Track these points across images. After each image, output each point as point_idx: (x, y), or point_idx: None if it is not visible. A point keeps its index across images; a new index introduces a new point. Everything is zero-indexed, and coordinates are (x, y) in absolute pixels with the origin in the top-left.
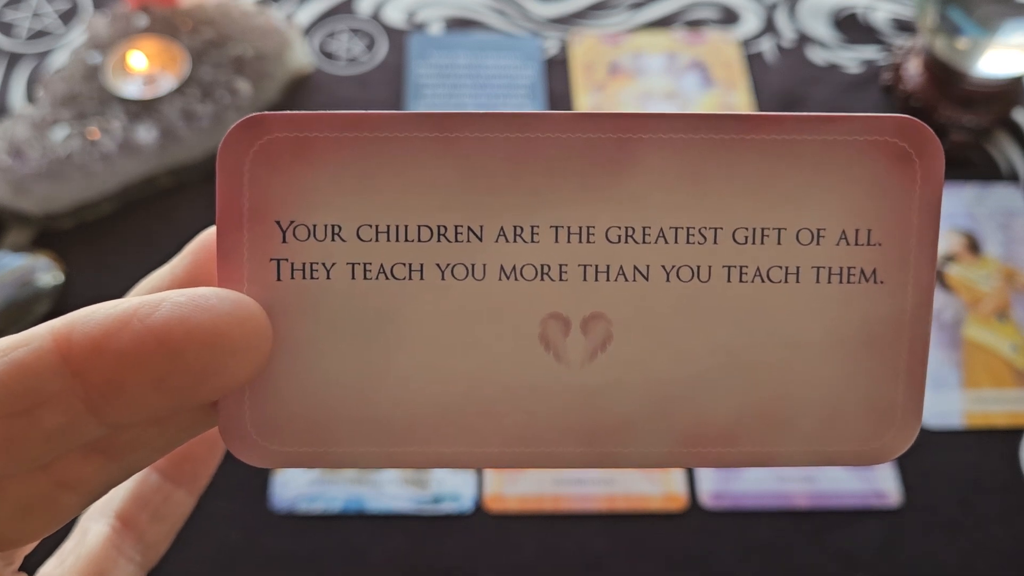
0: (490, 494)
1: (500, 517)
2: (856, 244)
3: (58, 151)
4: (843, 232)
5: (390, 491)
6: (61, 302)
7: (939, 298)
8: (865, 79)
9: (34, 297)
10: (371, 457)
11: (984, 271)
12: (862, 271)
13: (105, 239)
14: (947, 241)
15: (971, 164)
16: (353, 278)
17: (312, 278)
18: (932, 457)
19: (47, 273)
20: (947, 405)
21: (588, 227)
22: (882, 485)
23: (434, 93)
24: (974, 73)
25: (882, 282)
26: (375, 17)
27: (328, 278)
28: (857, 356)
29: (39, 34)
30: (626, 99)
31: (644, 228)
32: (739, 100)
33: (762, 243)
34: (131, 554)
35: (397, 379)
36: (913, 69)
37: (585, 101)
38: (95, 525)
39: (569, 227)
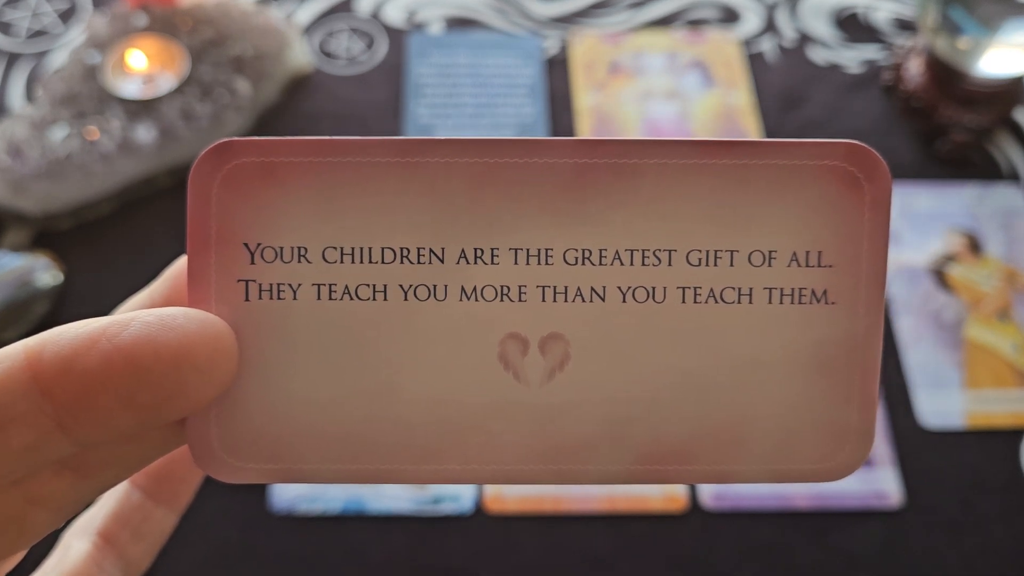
0: (490, 495)
1: (500, 518)
2: (807, 266)
3: (57, 151)
4: (794, 254)
5: (390, 492)
6: (60, 302)
7: (940, 298)
8: (866, 79)
9: (33, 297)
10: (336, 473)
11: (985, 271)
12: (813, 292)
13: (104, 239)
14: (948, 241)
15: (972, 164)
16: (319, 298)
17: (279, 298)
18: (933, 457)
19: (46, 273)
20: (948, 405)
21: (546, 249)
22: (883, 486)
23: (434, 93)
24: (975, 73)
25: (833, 303)
26: (375, 16)
27: (295, 298)
28: (811, 377)
29: (38, 34)
30: (626, 98)
31: (601, 250)
32: (740, 100)
33: (715, 265)
34: (112, 571)
35: (361, 397)
36: (914, 69)
37: (585, 101)
38: (77, 542)
39: (528, 249)
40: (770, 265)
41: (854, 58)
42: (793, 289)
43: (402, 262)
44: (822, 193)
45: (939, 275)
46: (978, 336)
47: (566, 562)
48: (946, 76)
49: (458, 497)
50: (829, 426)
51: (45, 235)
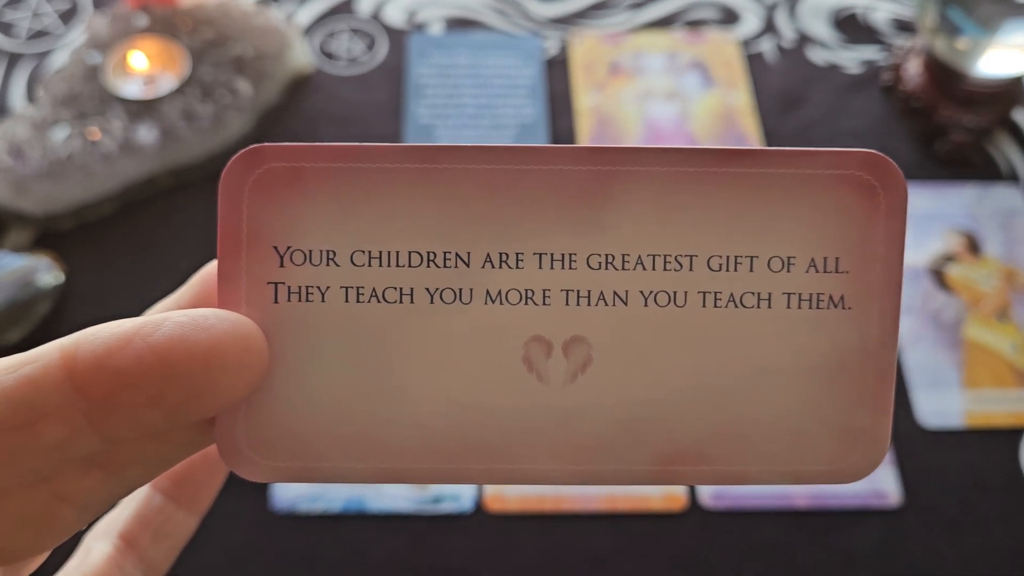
0: (490, 494)
1: (500, 517)
2: (825, 272)
3: (59, 151)
4: (812, 260)
5: (390, 491)
6: (62, 302)
7: (939, 298)
8: (865, 79)
9: (35, 297)
10: (359, 472)
11: (984, 271)
12: (830, 297)
13: (106, 239)
14: (947, 241)
15: (971, 164)
16: (347, 301)
17: (308, 301)
18: (933, 457)
19: (48, 273)
20: (947, 405)
21: (570, 254)
22: (883, 485)
23: (434, 93)
24: (974, 73)
25: (850, 308)
26: (375, 17)
27: (323, 301)
28: (826, 382)
29: (39, 34)
30: (626, 99)
31: (623, 255)
32: (739, 100)
33: (735, 270)
34: (133, 573)
35: (386, 398)
36: (913, 69)
37: (585, 101)
38: (99, 544)
39: (552, 254)
40: (789, 271)
41: (853, 59)
42: (811, 294)
43: (428, 266)
44: (839, 201)
45: (938, 275)
46: (977, 336)
47: (566, 562)
48: (945, 76)
49: (458, 496)
50: (843, 430)
51: (47, 235)
